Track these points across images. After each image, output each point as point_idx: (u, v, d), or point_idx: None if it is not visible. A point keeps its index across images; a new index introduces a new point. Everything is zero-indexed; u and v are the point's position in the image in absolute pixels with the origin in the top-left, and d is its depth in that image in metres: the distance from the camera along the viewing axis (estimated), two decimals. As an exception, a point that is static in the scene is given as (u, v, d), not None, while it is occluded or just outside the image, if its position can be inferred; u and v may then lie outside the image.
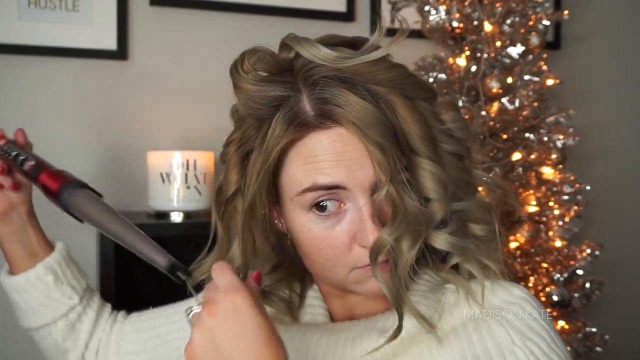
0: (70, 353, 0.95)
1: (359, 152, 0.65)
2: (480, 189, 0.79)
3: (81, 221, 0.76)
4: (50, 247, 0.94)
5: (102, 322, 0.97)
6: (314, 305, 0.80)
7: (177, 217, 1.45)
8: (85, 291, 0.96)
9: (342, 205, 0.68)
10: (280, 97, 0.67)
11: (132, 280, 1.34)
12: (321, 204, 0.67)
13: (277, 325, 0.77)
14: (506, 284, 0.74)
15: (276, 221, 0.75)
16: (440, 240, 0.69)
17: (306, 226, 0.69)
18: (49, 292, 0.91)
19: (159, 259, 0.65)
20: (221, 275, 0.61)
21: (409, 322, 0.69)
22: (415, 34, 1.84)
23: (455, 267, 0.75)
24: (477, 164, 0.76)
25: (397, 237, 0.65)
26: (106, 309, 0.99)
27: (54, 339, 0.94)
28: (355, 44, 0.70)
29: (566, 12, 1.76)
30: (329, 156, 0.65)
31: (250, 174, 0.69)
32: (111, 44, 1.59)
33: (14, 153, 0.85)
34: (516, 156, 1.66)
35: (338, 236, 0.67)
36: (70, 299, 0.93)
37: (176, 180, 1.43)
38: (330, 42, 0.69)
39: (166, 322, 0.93)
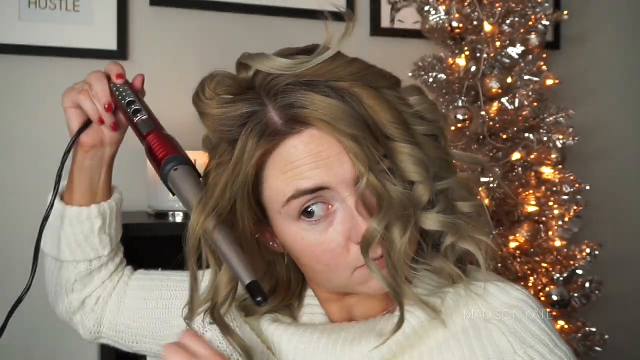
0: (74, 294, 0.94)
1: (335, 150, 0.65)
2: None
3: (173, 194, 0.75)
4: (109, 193, 0.93)
5: (114, 275, 0.96)
6: (312, 305, 0.80)
7: (177, 217, 1.46)
8: (117, 246, 0.96)
9: (330, 207, 0.67)
10: (247, 114, 0.67)
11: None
12: (308, 209, 0.67)
13: (277, 325, 0.77)
14: (505, 286, 0.74)
15: (271, 243, 0.75)
16: (431, 221, 0.68)
17: (299, 236, 0.68)
18: (90, 236, 0.90)
19: (235, 259, 0.66)
20: (201, 346, 0.63)
21: (407, 326, 0.69)
22: (415, 34, 1.84)
23: (461, 262, 0.75)
24: (452, 143, 0.76)
25: (386, 225, 0.64)
26: (122, 264, 0.98)
27: (67, 276, 0.93)
28: (311, 51, 0.70)
29: (566, 12, 1.76)
30: (306, 159, 0.65)
31: (222, 192, 0.68)
32: (111, 44, 1.59)
33: (128, 99, 0.83)
34: (516, 156, 1.67)
35: (333, 239, 0.67)
36: (104, 249, 0.92)
37: (176, 180, 1.43)
38: (287, 53, 0.70)
39: (173, 287, 0.92)
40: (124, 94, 0.84)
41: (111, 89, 0.84)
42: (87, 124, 0.85)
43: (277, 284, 0.79)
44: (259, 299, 0.64)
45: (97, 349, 1.58)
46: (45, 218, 0.87)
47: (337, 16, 0.75)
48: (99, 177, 0.90)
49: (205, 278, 0.77)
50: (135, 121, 0.81)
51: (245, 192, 0.68)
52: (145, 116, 0.81)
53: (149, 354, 0.96)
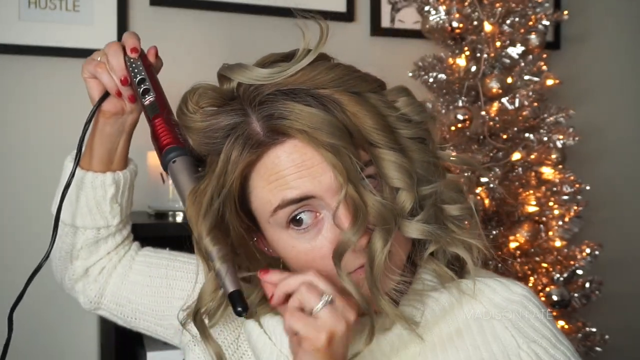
0: (78, 261, 0.93)
1: (318, 158, 0.65)
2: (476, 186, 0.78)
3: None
4: (125, 163, 0.94)
5: (120, 248, 0.96)
6: None
7: (177, 217, 1.46)
8: (126, 218, 0.96)
9: (318, 214, 0.67)
10: (230, 125, 0.67)
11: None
12: (297, 217, 0.67)
13: (278, 318, 0.78)
14: (507, 282, 0.75)
15: (266, 248, 0.75)
16: (411, 230, 0.68)
17: (289, 244, 0.69)
18: (101, 203, 0.90)
19: (220, 266, 0.67)
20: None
21: (385, 338, 0.70)
22: (415, 34, 1.84)
23: (454, 264, 0.75)
24: (440, 144, 0.75)
25: (362, 237, 0.64)
26: (129, 237, 0.99)
27: (73, 241, 0.92)
28: (292, 56, 0.70)
29: (566, 12, 1.76)
30: (291, 169, 0.65)
31: (209, 202, 0.68)
32: (111, 44, 1.59)
33: (139, 77, 0.83)
34: (516, 156, 1.67)
35: (322, 245, 0.67)
36: (113, 218, 0.92)
37: (176, 180, 1.43)
38: (268, 61, 0.71)
39: (179, 267, 0.92)
40: (136, 70, 0.84)
41: (126, 63, 0.84)
42: (107, 93, 0.86)
43: None
44: (239, 308, 0.65)
45: (97, 349, 1.58)
46: (67, 186, 0.87)
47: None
48: (117, 145, 0.91)
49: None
50: (143, 102, 0.81)
51: (232, 202, 0.68)
52: (153, 98, 0.81)
53: (146, 331, 0.96)
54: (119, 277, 0.94)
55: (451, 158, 0.75)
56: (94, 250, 0.93)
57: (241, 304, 0.65)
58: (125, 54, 0.84)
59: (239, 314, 0.65)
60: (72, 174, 0.87)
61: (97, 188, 0.90)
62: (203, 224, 0.67)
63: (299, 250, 0.68)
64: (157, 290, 0.92)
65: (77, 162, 0.88)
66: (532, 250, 1.69)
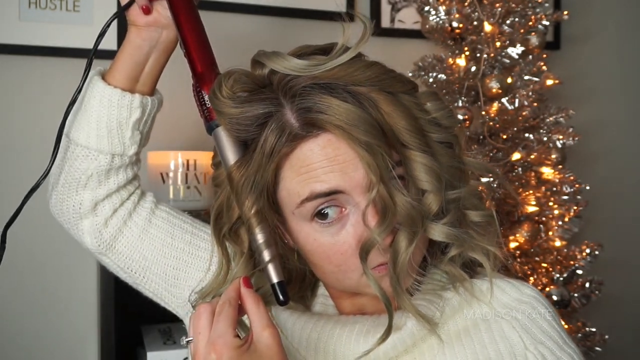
0: (86, 191, 0.88)
1: (351, 154, 0.65)
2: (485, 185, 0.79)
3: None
4: (153, 89, 0.91)
5: (130, 187, 0.91)
6: (325, 296, 0.81)
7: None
8: (139, 154, 0.92)
9: (344, 210, 0.68)
10: (263, 114, 0.67)
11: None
12: (322, 211, 0.67)
13: (290, 312, 0.78)
14: (516, 283, 0.76)
15: (279, 236, 0.75)
16: (437, 232, 0.69)
17: (312, 237, 0.69)
18: (124, 125, 0.86)
19: (268, 255, 0.69)
20: (258, 312, 0.63)
21: (399, 336, 0.70)
22: (415, 34, 1.84)
23: (467, 266, 0.76)
24: (466, 151, 0.76)
25: (387, 236, 0.65)
26: (138, 180, 0.95)
27: (84, 166, 0.87)
28: (327, 50, 0.70)
29: (566, 12, 1.76)
30: (322, 163, 0.66)
31: (245, 196, 0.69)
32: (111, 44, 1.59)
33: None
34: (516, 156, 1.67)
35: (345, 240, 0.68)
36: (131, 147, 0.88)
37: (176, 180, 1.43)
38: (304, 52, 0.71)
39: (205, 239, 0.89)
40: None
41: None
42: (132, 2, 0.86)
43: (291, 276, 0.80)
44: (282, 299, 0.66)
45: (97, 349, 1.59)
46: (71, 102, 0.85)
47: (342, 15, 0.76)
48: (145, 61, 0.88)
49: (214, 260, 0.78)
50: (197, 72, 0.81)
51: (264, 192, 0.69)
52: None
53: (149, 292, 0.91)
54: (139, 229, 0.89)
55: (474, 164, 0.76)
56: (104, 180, 0.88)
57: (285, 295, 0.66)
58: None
59: (281, 304, 0.67)
60: (79, 90, 0.85)
61: (123, 108, 0.86)
62: (250, 196, 0.68)
63: (321, 243, 0.69)
64: (179, 254, 0.88)
65: (85, 76, 0.86)
66: (532, 250, 1.69)
